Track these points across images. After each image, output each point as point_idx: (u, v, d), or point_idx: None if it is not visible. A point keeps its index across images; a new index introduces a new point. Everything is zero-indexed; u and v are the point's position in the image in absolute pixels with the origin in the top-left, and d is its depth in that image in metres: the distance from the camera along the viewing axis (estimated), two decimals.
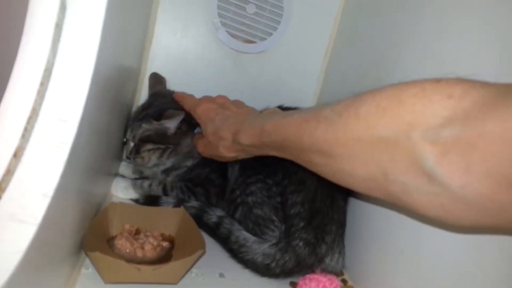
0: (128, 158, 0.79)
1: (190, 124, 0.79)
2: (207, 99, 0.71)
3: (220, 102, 0.68)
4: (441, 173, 0.31)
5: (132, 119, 0.80)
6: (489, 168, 0.29)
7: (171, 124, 0.77)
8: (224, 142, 0.61)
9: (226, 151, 0.61)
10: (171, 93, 0.85)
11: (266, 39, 0.95)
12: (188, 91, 0.86)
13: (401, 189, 0.35)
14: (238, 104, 0.68)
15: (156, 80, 0.87)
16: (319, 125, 0.42)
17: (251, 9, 0.92)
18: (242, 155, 0.61)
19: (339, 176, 0.43)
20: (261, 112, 0.65)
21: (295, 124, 0.46)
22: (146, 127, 0.77)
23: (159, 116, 0.76)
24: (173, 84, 0.89)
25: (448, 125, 0.31)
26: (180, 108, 0.77)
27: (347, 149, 0.39)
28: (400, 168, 0.34)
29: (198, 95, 0.84)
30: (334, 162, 0.41)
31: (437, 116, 0.32)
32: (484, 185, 0.29)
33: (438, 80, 0.34)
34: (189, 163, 0.81)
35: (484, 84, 0.32)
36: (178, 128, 0.78)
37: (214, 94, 0.87)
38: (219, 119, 0.63)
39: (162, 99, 0.82)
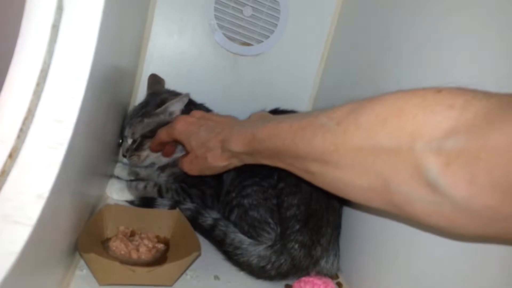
0: (124, 156, 0.79)
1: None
2: (183, 115, 0.67)
3: (198, 116, 0.64)
4: (445, 184, 0.31)
5: (130, 116, 0.80)
6: (494, 180, 0.29)
7: (175, 107, 0.76)
8: (213, 152, 0.58)
9: (216, 161, 0.58)
10: (169, 92, 0.85)
11: (262, 41, 0.95)
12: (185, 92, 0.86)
13: (404, 199, 0.35)
14: (216, 114, 0.65)
15: (155, 80, 0.87)
16: (317, 133, 0.41)
17: (248, 11, 0.92)
18: (234, 163, 0.58)
19: (336, 185, 0.42)
20: (249, 117, 0.62)
21: (290, 132, 0.45)
22: (148, 121, 0.77)
23: (162, 104, 0.76)
24: (170, 86, 0.89)
25: (452, 136, 0.31)
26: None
27: (347, 158, 0.38)
28: (403, 178, 0.34)
29: (194, 96, 0.84)
30: (332, 171, 0.41)
31: (440, 127, 0.32)
32: (488, 197, 0.29)
33: (439, 90, 0.34)
34: None
35: (486, 94, 0.32)
36: (183, 113, 0.77)
37: (210, 96, 0.87)
38: (203, 130, 0.60)
39: (161, 97, 0.82)
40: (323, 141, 0.40)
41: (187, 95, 0.77)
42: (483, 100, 0.31)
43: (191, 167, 0.64)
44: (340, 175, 0.40)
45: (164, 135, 0.68)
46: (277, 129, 0.48)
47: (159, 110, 0.77)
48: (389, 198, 0.36)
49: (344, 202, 0.73)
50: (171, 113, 0.77)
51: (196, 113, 0.65)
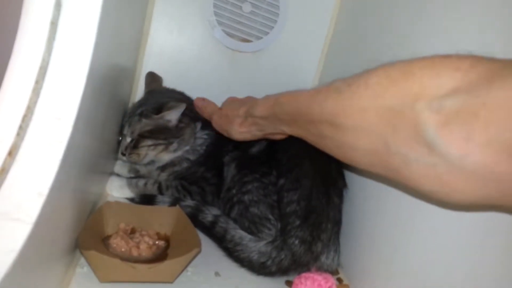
0: (123, 154, 0.78)
1: (191, 117, 0.79)
2: (234, 98, 0.74)
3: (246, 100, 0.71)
4: (442, 142, 0.31)
5: (129, 114, 0.79)
6: (490, 137, 0.29)
7: (172, 116, 0.76)
8: (239, 119, 0.63)
9: (238, 126, 0.63)
10: (168, 90, 0.85)
11: (262, 38, 0.95)
12: (184, 89, 0.86)
13: (401, 161, 0.35)
14: None
15: (153, 79, 0.87)
16: (329, 95, 0.43)
17: (247, 7, 0.92)
18: (253, 131, 0.62)
19: (343, 150, 0.43)
20: None
21: (307, 95, 0.47)
22: (146, 122, 0.77)
23: (160, 109, 0.76)
24: (169, 82, 0.89)
25: (453, 95, 0.31)
26: (181, 100, 0.77)
27: (352, 119, 0.39)
28: (402, 139, 0.35)
29: (193, 93, 0.84)
30: (340, 134, 0.42)
31: (443, 87, 0.32)
32: (484, 154, 0.29)
33: (448, 55, 0.34)
34: (191, 156, 0.81)
35: (492, 59, 0.32)
36: (180, 121, 0.77)
37: (209, 92, 0.87)
38: (239, 102, 0.67)
39: (160, 95, 0.82)
40: (333, 102, 0.42)
41: (183, 105, 0.76)
42: (488, 63, 0.31)
43: (218, 121, 0.70)
44: (346, 138, 0.41)
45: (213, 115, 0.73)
46: (297, 94, 0.50)
47: (156, 116, 0.76)
48: (388, 161, 0.37)
49: (345, 190, 0.73)
50: (168, 121, 0.77)
51: (246, 99, 0.70)
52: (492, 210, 0.43)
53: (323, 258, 0.68)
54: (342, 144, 0.42)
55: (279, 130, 0.56)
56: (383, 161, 0.38)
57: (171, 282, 0.58)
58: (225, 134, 0.69)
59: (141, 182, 0.79)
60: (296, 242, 0.65)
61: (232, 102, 0.70)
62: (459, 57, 0.33)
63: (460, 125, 0.30)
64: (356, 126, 0.39)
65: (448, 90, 0.32)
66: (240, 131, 0.64)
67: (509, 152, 0.28)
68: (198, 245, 0.58)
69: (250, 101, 0.64)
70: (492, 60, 0.32)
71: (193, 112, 0.78)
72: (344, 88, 0.41)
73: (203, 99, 0.77)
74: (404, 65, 0.36)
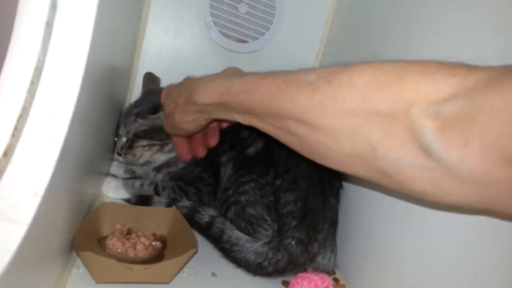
0: (118, 154, 0.78)
1: None
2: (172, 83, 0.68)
3: (183, 81, 0.64)
4: (439, 148, 0.31)
5: (125, 114, 0.79)
6: (487, 143, 0.29)
7: None
8: (180, 108, 0.57)
9: (182, 117, 0.57)
10: None
11: (258, 38, 0.95)
12: None
13: (391, 165, 0.35)
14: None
15: (150, 79, 0.87)
16: (303, 89, 0.39)
17: (243, 8, 0.92)
18: (200, 119, 0.56)
19: (316, 149, 0.40)
20: (223, 70, 0.59)
21: (271, 86, 0.42)
22: (142, 122, 0.77)
23: (156, 110, 0.76)
24: (165, 83, 0.88)
25: (450, 100, 0.31)
26: None
27: (334, 120, 0.37)
28: (395, 144, 0.34)
29: None
30: (314, 133, 0.39)
31: (439, 93, 0.32)
32: (480, 160, 0.29)
33: (442, 62, 0.34)
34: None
35: (489, 66, 0.32)
36: None
37: None
38: (177, 91, 0.60)
39: (156, 96, 0.82)
40: (309, 99, 0.38)
41: None
42: (486, 70, 0.31)
43: (165, 124, 0.64)
44: (322, 138, 0.38)
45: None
46: (256, 83, 0.45)
47: (152, 116, 0.76)
48: (374, 164, 0.36)
49: (342, 189, 0.74)
50: None
51: (185, 79, 0.63)
52: (482, 214, 0.43)
53: (319, 259, 0.68)
54: (314, 143, 0.40)
55: (230, 117, 0.51)
56: (368, 164, 0.37)
57: (168, 283, 0.58)
58: (176, 132, 0.63)
59: (137, 182, 0.79)
60: (293, 242, 0.65)
61: (169, 94, 0.62)
62: (453, 64, 0.33)
63: (458, 130, 0.30)
64: (336, 127, 0.37)
65: (445, 95, 0.31)
66: (186, 121, 0.57)
67: (504, 158, 0.28)
68: (194, 245, 0.58)
69: (187, 85, 0.56)
70: (488, 68, 0.31)
71: None
72: (321, 84, 0.38)
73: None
74: (394, 69, 0.35)
